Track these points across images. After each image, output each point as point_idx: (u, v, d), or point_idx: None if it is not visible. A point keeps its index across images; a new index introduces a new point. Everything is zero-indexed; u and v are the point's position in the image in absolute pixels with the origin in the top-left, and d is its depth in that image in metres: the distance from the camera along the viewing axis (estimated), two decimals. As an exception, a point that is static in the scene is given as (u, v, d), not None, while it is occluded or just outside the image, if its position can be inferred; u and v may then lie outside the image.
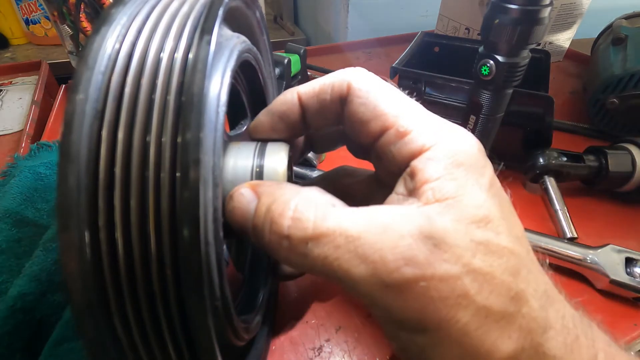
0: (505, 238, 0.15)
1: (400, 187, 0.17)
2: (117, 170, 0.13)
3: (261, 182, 0.18)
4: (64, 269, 0.13)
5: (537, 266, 0.16)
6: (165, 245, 0.14)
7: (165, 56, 0.15)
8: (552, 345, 0.15)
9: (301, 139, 0.24)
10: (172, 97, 0.14)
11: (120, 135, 0.14)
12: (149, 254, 0.14)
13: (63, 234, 0.13)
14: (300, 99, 0.20)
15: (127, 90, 0.14)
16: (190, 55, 0.14)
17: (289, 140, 0.21)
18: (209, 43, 0.14)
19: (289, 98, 0.20)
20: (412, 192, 0.16)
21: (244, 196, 0.17)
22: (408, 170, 0.17)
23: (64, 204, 0.13)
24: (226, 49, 0.18)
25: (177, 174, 0.13)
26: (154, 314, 0.14)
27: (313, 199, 0.16)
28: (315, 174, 0.39)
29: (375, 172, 0.22)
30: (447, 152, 0.16)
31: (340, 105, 0.19)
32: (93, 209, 0.13)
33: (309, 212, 0.15)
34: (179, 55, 0.15)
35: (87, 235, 0.13)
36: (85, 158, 0.13)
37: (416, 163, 0.16)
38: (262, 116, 0.21)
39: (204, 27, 0.15)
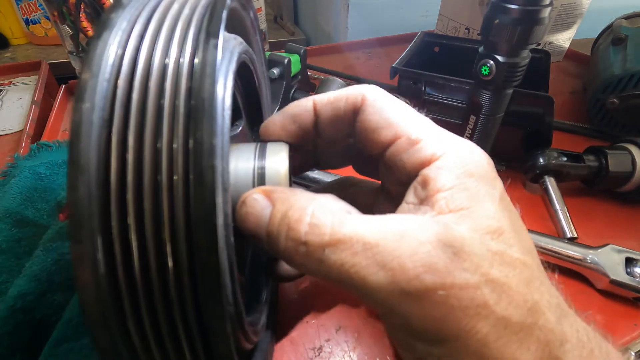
0: (517, 250, 0.15)
1: (410, 196, 0.17)
2: (129, 177, 0.13)
3: (275, 189, 0.17)
4: (77, 281, 0.13)
5: (547, 279, 0.16)
6: (181, 252, 0.13)
7: (171, 61, 0.15)
8: (569, 358, 0.14)
9: (306, 153, 0.24)
10: (181, 102, 0.14)
11: (131, 142, 0.13)
12: (164, 262, 0.13)
13: (75, 245, 0.12)
14: (315, 105, 0.20)
15: (135, 96, 0.14)
16: (197, 60, 0.14)
17: (297, 145, 0.21)
18: (215, 47, 0.14)
19: (304, 102, 0.20)
20: (424, 201, 0.16)
21: (258, 202, 0.17)
22: (419, 178, 0.17)
23: (75, 214, 0.12)
24: (227, 51, 0.17)
25: (191, 177, 0.13)
26: (170, 322, 0.14)
27: (329, 206, 0.16)
28: (330, 178, 0.39)
29: (382, 184, 0.22)
30: (459, 162, 0.16)
31: (352, 115, 0.19)
32: (105, 219, 0.13)
33: (326, 218, 0.15)
34: (185, 59, 0.15)
35: (100, 245, 0.13)
36: (95, 167, 0.13)
37: (427, 171, 0.16)
38: (276, 116, 0.21)
39: (209, 31, 0.15)
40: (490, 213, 0.15)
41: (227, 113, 0.15)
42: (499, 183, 0.17)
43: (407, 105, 0.19)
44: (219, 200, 0.13)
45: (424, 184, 0.16)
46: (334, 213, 0.16)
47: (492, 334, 0.14)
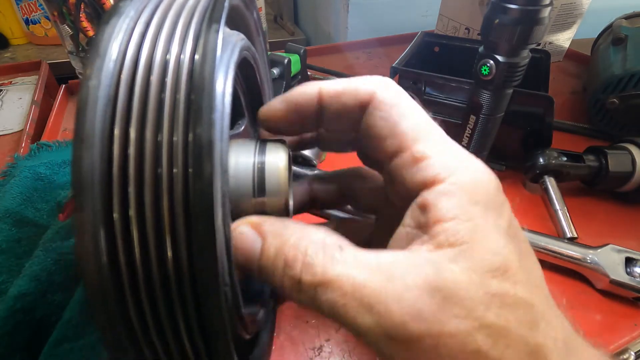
0: (522, 288, 0.14)
1: (408, 219, 0.16)
2: (131, 150, 0.14)
3: (263, 220, 0.17)
4: (78, 248, 0.13)
5: (555, 313, 0.15)
6: (179, 220, 0.14)
7: (173, 51, 0.15)
8: None
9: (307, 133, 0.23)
10: (183, 84, 0.14)
11: (135, 114, 0.14)
12: (162, 231, 0.14)
13: (78, 213, 0.13)
14: (320, 95, 0.19)
15: (138, 79, 0.14)
16: (199, 48, 0.15)
17: (295, 134, 0.21)
18: (217, 32, 0.15)
19: (309, 91, 0.19)
20: (423, 228, 0.15)
21: (246, 236, 0.16)
22: (419, 200, 0.16)
23: (79, 184, 0.13)
24: (229, 44, 0.18)
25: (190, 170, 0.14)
26: (167, 294, 0.15)
27: (321, 242, 0.16)
28: (312, 173, 0.39)
29: (385, 187, 0.21)
30: (464, 187, 0.15)
31: (359, 112, 0.18)
32: (107, 190, 0.14)
33: (318, 257, 0.15)
34: (187, 49, 0.15)
35: (100, 213, 0.13)
36: (99, 141, 0.13)
37: (429, 195, 0.15)
38: (277, 102, 0.20)
39: (211, 17, 0.15)
40: (494, 248, 0.14)
41: (228, 103, 0.15)
42: (506, 209, 0.16)
43: (419, 108, 0.18)
44: (217, 193, 0.14)
45: (424, 209, 0.15)
46: (326, 249, 0.15)
47: None
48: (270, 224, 0.17)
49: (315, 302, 0.15)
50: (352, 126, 0.19)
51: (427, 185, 0.16)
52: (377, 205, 0.22)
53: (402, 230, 0.16)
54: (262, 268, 0.16)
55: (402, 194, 0.17)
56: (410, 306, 0.13)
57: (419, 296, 0.13)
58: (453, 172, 0.15)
